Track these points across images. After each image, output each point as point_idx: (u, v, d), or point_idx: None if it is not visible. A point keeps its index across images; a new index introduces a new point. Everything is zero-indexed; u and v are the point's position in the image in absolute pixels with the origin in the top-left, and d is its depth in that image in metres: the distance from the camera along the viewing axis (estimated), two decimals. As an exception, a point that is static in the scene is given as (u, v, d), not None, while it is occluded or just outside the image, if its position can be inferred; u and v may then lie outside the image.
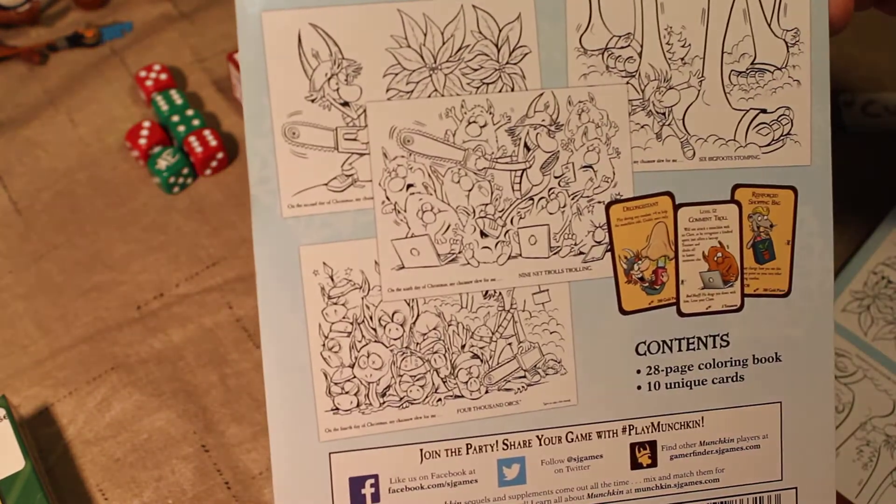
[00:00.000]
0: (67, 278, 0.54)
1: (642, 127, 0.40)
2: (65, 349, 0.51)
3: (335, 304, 0.39)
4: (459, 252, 0.39)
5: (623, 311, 0.41)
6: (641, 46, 0.40)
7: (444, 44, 0.38)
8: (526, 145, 0.39)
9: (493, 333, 0.40)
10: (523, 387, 0.40)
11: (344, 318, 0.39)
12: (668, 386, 0.41)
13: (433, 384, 0.40)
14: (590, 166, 0.40)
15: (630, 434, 0.41)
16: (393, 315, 0.39)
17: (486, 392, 0.40)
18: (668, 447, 0.42)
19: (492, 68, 0.39)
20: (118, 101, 0.61)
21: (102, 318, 0.52)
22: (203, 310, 0.52)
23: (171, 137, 0.59)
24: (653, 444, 0.42)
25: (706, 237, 0.41)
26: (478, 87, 0.39)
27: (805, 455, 0.42)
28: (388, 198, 0.39)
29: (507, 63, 0.39)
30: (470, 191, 0.39)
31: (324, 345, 0.39)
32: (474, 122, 0.39)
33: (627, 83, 0.40)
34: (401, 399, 0.40)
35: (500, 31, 0.39)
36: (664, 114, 0.40)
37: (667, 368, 0.41)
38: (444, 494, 0.40)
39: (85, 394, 0.50)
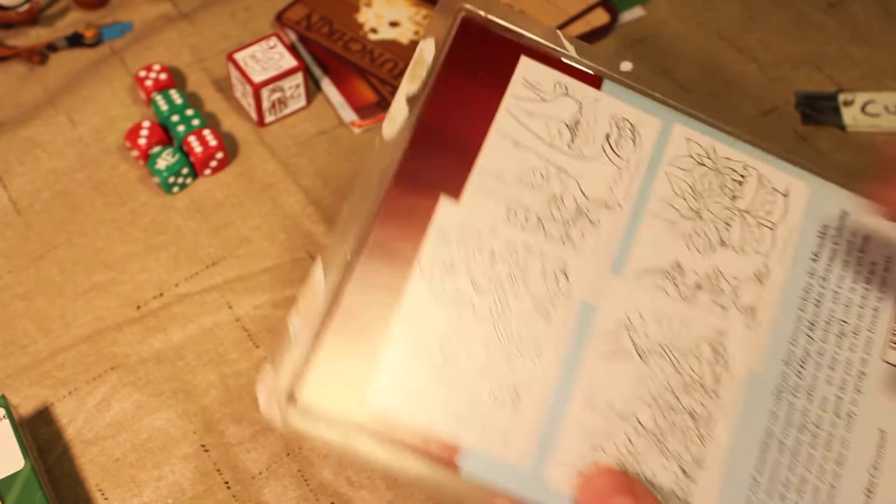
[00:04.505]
0: (67, 278, 0.54)
1: None
2: (64, 349, 0.51)
3: None
4: None
5: None
6: None
7: None
8: None
9: None
10: None
11: None
12: None
13: None
14: None
15: None
16: None
17: None
18: None
19: None
20: (118, 100, 0.61)
21: (102, 317, 0.52)
22: (203, 310, 0.52)
23: (171, 137, 0.59)
24: None
25: None
26: None
27: None
28: None
29: None
30: None
31: None
32: None
33: None
34: None
35: None
36: None
37: None
38: None
39: (84, 394, 0.50)
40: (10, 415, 0.45)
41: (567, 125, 0.44)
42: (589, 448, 0.39)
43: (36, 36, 0.65)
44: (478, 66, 0.44)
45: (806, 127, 0.61)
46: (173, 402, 0.49)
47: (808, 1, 0.68)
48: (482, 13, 0.45)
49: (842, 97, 0.62)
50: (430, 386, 0.38)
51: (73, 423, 0.49)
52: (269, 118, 0.60)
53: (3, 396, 0.46)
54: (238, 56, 0.59)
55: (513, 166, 0.43)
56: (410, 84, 0.43)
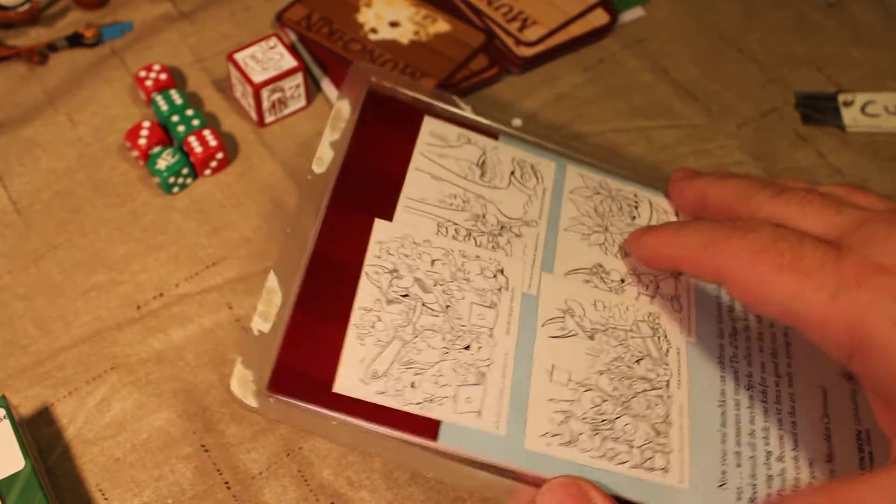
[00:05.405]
0: (67, 278, 0.54)
1: None
2: (64, 349, 0.51)
3: None
4: None
5: None
6: None
7: None
8: None
9: None
10: None
11: None
12: None
13: None
14: None
15: None
16: None
17: None
18: None
19: None
20: (118, 101, 0.61)
21: (102, 318, 0.52)
22: (203, 310, 0.52)
23: (171, 137, 0.59)
24: None
25: None
26: None
27: None
28: None
29: None
30: None
31: None
32: None
33: None
34: None
35: None
36: None
37: None
38: None
39: (85, 394, 0.50)
40: (10, 415, 0.45)
41: (476, 164, 0.48)
42: (560, 415, 0.41)
43: (36, 36, 0.65)
44: (388, 123, 0.49)
45: (806, 127, 0.61)
46: (173, 402, 0.49)
47: (808, 1, 0.68)
48: (387, 84, 0.51)
49: (842, 98, 0.62)
50: (395, 371, 0.40)
51: (74, 423, 0.49)
52: (269, 118, 0.60)
53: (4, 396, 0.46)
54: (238, 56, 0.59)
55: (435, 193, 0.47)
56: (332, 133, 0.48)
